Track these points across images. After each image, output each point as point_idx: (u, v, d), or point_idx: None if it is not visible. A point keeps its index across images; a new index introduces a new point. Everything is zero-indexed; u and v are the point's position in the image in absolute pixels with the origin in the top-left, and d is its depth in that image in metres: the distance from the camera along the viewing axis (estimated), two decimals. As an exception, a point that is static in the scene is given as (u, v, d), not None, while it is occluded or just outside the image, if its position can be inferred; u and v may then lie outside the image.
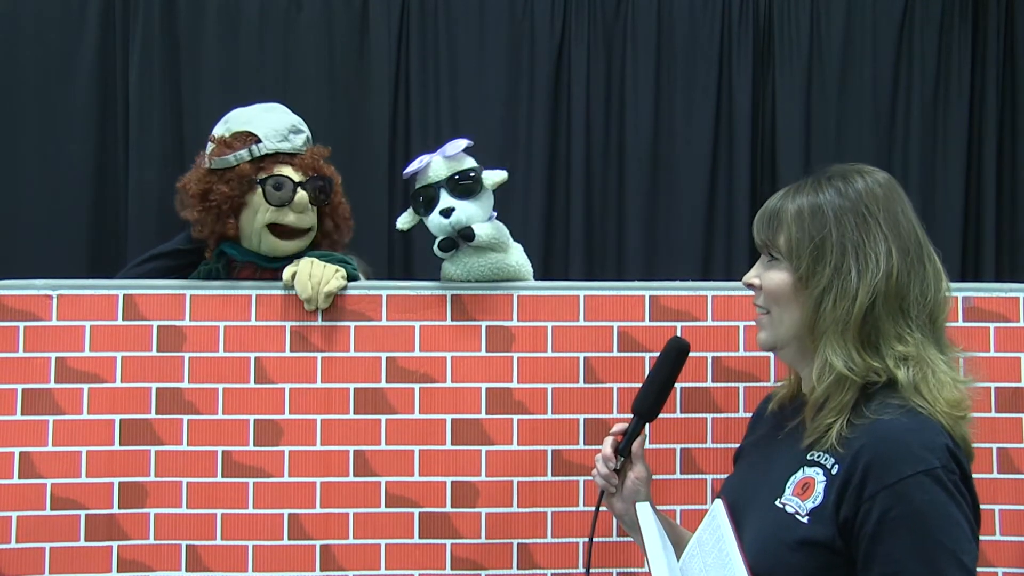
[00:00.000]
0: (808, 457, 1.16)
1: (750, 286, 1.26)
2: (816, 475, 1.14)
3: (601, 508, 1.38)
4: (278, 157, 1.69)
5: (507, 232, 1.65)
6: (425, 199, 1.60)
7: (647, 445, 1.56)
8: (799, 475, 1.16)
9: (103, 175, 2.96)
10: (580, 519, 1.59)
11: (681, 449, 1.60)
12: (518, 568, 1.58)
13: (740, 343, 1.60)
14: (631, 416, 1.37)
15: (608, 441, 1.37)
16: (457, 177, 1.59)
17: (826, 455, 1.14)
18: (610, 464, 1.36)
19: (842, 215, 1.16)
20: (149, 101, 2.95)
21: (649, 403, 1.36)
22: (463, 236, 1.58)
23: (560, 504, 1.59)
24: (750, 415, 1.59)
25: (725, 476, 1.59)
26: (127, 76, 2.96)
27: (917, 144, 3.23)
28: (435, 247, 1.61)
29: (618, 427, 1.38)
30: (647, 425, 1.37)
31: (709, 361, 1.61)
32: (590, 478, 1.58)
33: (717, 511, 1.22)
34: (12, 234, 2.88)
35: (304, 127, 1.77)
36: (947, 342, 1.19)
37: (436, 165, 1.61)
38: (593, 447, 1.59)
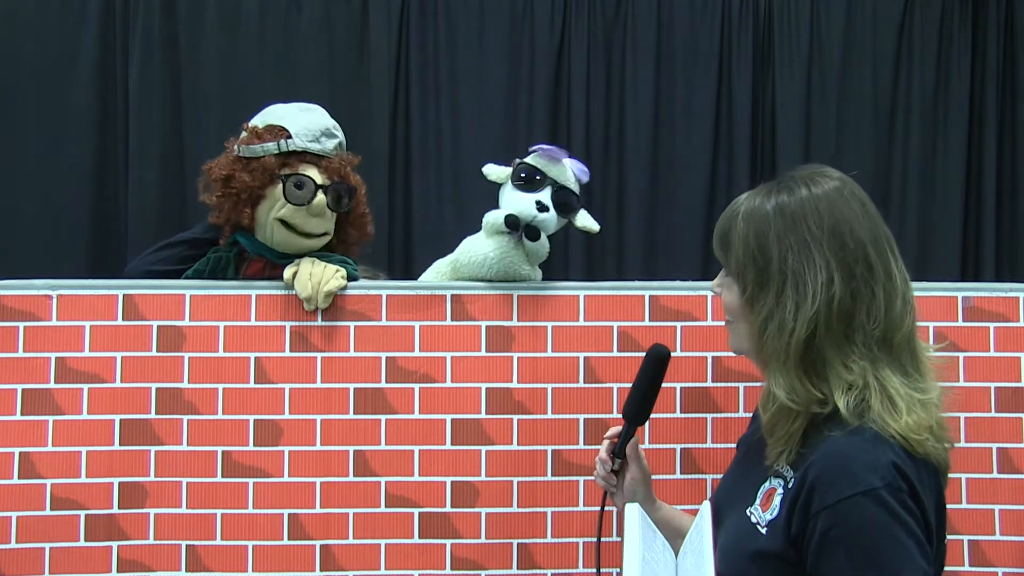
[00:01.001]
0: (775, 467, 1.17)
1: (716, 294, 1.28)
2: (778, 486, 1.15)
3: (607, 508, 1.42)
4: (305, 157, 1.67)
5: (545, 256, 1.65)
6: (532, 177, 1.61)
7: (647, 444, 1.57)
8: (767, 484, 1.17)
9: (103, 175, 2.97)
10: (580, 519, 1.59)
11: (681, 449, 1.60)
12: (518, 568, 1.58)
13: (740, 343, 1.60)
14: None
15: (604, 444, 1.43)
16: (569, 191, 1.63)
17: (788, 467, 1.15)
18: (607, 466, 1.42)
19: (784, 239, 1.13)
20: (149, 101, 2.96)
21: (636, 409, 1.40)
22: (529, 234, 1.59)
23: (560, 504, 1.59)
24: (750, 415, 1.59)
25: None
26: (127, 76, 2.96)
27: (917, 144, 3.24)
28: (502, 219, 1.58)
29: (613, 430, 1.44)
30: (640, 427, 1.42)
31: (709, 361, 1.61)
32: (590, 478, 1.58)
33: (704, 513, 1.23)
34: (12, 234, 2.89)
35: (339, 133, 1.74)
36: (913, 356, 1.15)
37: (568, 169, 1.64)
38: (593, 447, 1.59)
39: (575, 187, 1.65)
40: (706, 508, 1.23)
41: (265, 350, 1.58)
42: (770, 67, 3.24)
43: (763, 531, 1.14)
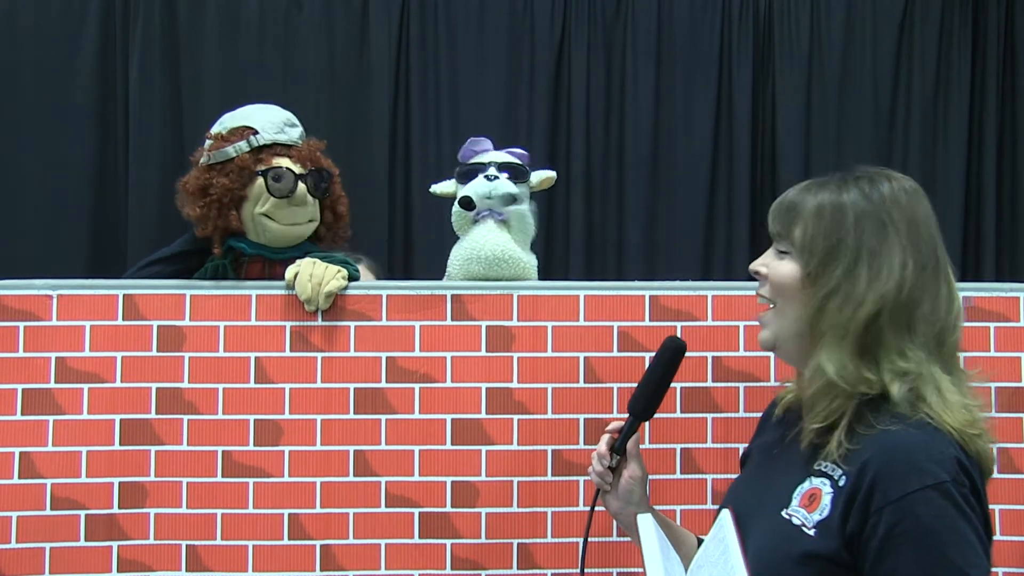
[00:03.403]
0: (815, 467, 1.14)
1: (756, 274, 1.24)
2: (823, 486, 1.11)
3: (598, 507, 1.37)
4: (275, 149, 1.70)
5: (533, 233, 1.69)
6: (471, 170, 1.64)
7: (647, 444, 1.57)
8: (806, 485, 1.13)
9: (103, 175, 2.97)
10: (580, 519, 1.59)
11: (681, 449, 1.60)
12: (518, 568, 1.58)
13: (740, 343, 1.60)
14: (627, 415, 1.37)
15: (604, 439, 1.37)
16: (510, 163, 1.64)
17: (833, 466, 1.11)
18: (604, 461, 1.35)
19: (862, 219, 1.13)
20: (149, 101, 2.96)
21: (644, 403, 1.36)
22: (504, 199, 1.61)
23: (560, 504, 1.59)
24: (750, 415, 1.59)
25: (725, 476, 1.60)
26: (127, 76, 2.96)
27: (917, 144, 3.24)
28: (455, 204, 1.62)
29: (614, 425, 1.38)
30: (643, 424, 1.37)
31: (709, 361, 1.61)
32: (590, 478, 1.58)
33: (724, 521, 1.20)
34: (12, 234, 2.88)
35: (298, 122, 1.78)
36: (957, 365, 1.14)
37: (495, 152, 1.66)
38: (593, 447, 1.58)
39: (509, 159, 1.66)
40: (726, 519, 1.19)
41: (265, 350, 1.58)
42: (770, 67, 3.24)
43: (810, 532, 1.09)
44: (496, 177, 1.61)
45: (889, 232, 1.12)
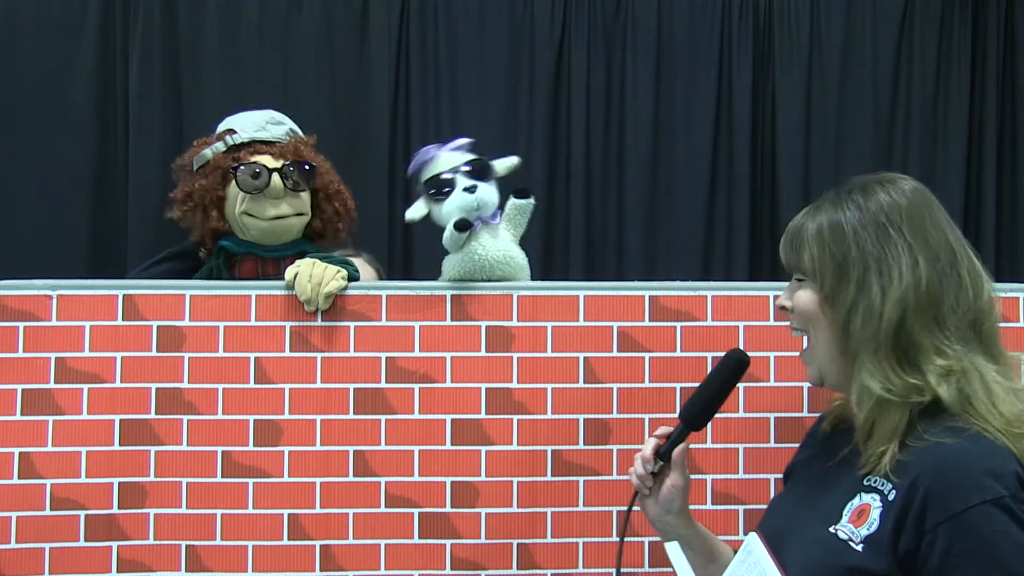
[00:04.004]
0: (865, 483, 1.11)
1: (782, 309, 1.23)
2: (872, 501, 1.09)
3: (635, 508, 1.35)
4: (254, 147, 1.70)
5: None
6: (439, 186, 1.59)
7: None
8: (856, 501, 1.11)
9: (103, 175, 2.97)
10: (580, 519, 1.59)
11: (681, 449, 1.60)
12: (518, 568, 1.58)
13: (740, 343, 1.60)
14: (677, 420, 1.34)
15: (650, 443, 1.34)
16: (471, 164, 1.60)
17: (883, 480, 1.08)
18: (648, 466, 1.33)
19: (861, 229, 1.13)
20: (149, 101, 2.95)
21: (697, 411, 1.33)
22: (490, 205, 1.58)
23: (560, 504, 1.59)
24: (750, 415, 1.60)
25: (725, 477, 1.60)
26: (127, 76, 2.96)
27: (917, 144, 3.24)
28: (451, 227, 1.57)
29: (663, 430, 1.35)
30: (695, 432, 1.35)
31: (709, 361, 1.60)
32: (590, 478, 1.58)
33: (753, 545, 1.17)
34: (12, 234, 2.88)
35: (287, 121, 1.78)
36: (999, 348, 1.12)
37: (445, 156, 1.62)
38: (593, 447, 1.59)
39: (464, 158, 1.62)
40: (755, 543, 1.17)
41: (265, 350, 1.58)
42: (770, 67, 3.24)
43: (858, 547, 1.07)
44: (475, 187, 1.57)
45: (891, 235, 1.12)
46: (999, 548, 1.00)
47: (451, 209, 1.58)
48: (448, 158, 1.62)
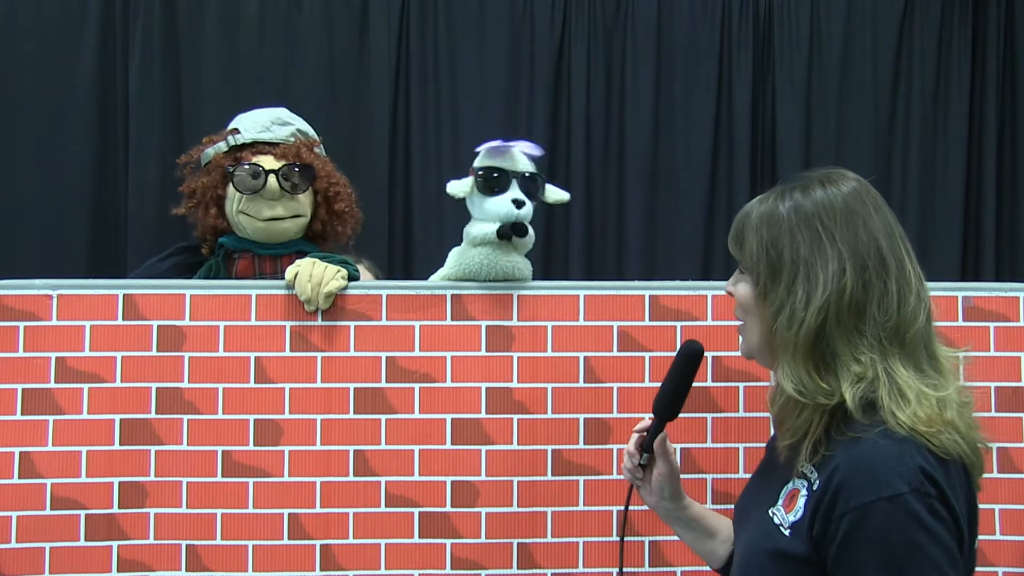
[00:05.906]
0: (800, 468, 1.15)
1: (729, 294, 1.27)
2: (802, 488, 1.13)
3: (633, 507, 1.40)
4: (256, 147, 1.71)
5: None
6: (496, 179, 1.59)
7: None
8: (790, 486, 1.16)
9: (103, 175, 2.96)
10: (580, 519, 1.59)
11: (681, 449, 1.60)
12: (518, 568, 1.58)
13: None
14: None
15: (633, 438, 1.41)
16: (531, 176, 1.61)
17: (812, 468, 1.13)
18: (634, 459, 1.40)
19: (796, 231, 1.13)
20: (149, 101, 2.95)
21: (665, 404, 1.38)
22: (518, 232, 1.58)
23: (560, 504, 1.59)
24: (750, 415, 1.60)
25: (725, 476, 1.61)
26: (127, 76, 2.96)
27: (917, 144, 3.24)
28: (495, 229, 1.58)
29: (642, 424, 1.41)
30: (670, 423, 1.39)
31: (709, 361, 1.61)
32: (591, 478, 1.58)
33: None
34: (12, 234, 2.88)
35: (295, 121, 1.78)
36: (930, 352, 1.13)
37: (520, 156, 1.62)
38: (593, 447, 1.59)
39: (534, 168, 1.64)
40: None
41: (265, 350, 1.58)
42: (770, 67, 3.24)
43: (786, 532, 1.12)
44: (524, 203, 1.58)
45: (824, 240, 1.12)
46: (887, 544, 1.03)
47: (494, 211, 1.58)
48: (517, 158, 1.62)
